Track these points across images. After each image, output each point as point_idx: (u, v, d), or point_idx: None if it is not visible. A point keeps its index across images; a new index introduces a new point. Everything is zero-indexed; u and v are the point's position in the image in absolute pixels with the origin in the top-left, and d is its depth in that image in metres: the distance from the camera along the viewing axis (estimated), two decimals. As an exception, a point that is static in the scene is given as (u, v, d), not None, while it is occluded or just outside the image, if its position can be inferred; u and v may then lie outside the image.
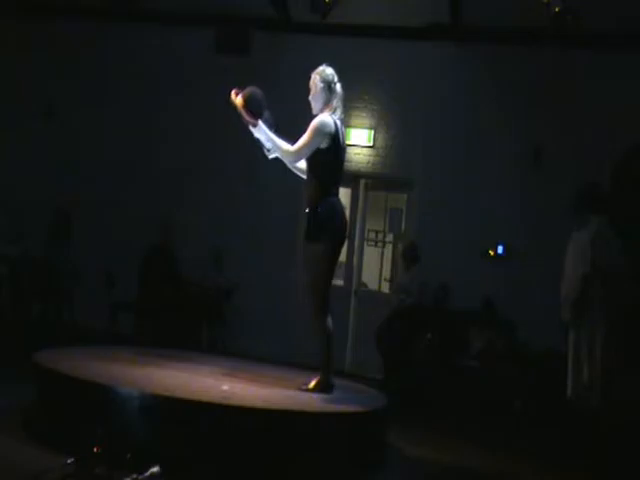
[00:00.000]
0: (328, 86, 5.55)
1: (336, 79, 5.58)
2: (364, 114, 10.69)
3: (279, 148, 5.57)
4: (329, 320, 5.43)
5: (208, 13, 10.94)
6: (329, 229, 5.41)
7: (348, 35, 10.60)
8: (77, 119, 11.39)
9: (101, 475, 4.10)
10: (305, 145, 5.43)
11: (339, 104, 5.57)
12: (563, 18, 8.82)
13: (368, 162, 10.74)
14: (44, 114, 11.42)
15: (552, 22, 8.93)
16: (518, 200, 9.95)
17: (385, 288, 11.24)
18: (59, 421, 4.87)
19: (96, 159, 11.26)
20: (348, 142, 10.60)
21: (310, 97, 5.61)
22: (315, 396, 5.33)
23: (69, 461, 4.14)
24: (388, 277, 11.34)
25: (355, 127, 10.66)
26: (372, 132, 10.69)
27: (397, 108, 10.67)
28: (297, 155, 5.51)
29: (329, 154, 5.45)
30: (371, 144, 10.69)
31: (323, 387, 5.46)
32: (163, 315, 9.55)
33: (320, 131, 5.40)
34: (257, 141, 5.70)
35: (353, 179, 10.77)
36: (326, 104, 5.54)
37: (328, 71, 5.60)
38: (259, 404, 4.84)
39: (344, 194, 11.33)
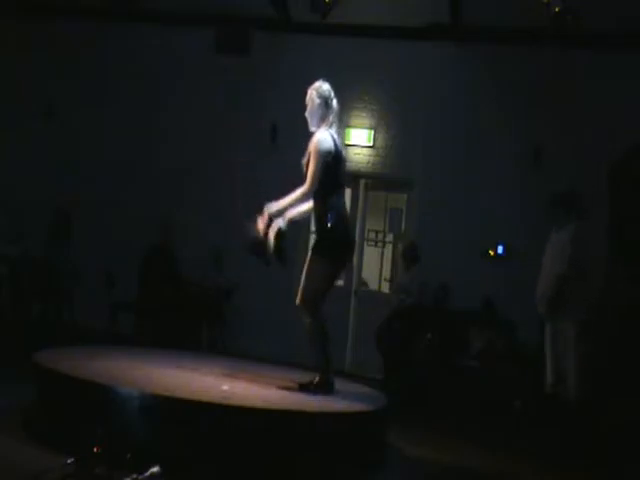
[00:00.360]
0: (325, 102, 5.61)
1: (332, 95, 5.65)
2: (364, 114, 10.69)
3: (297, 201, 5.58)
4: (323, 320, 5.46)
5: (208, 13, 10.93)
6: (333, 248, 5.48)
7: (348, 35, 10.59)
8: (77, 119, 11.39)
9: (101, 475, 4.10)
10: (316, 173, 5.45)
11: (335, 119, 5.63)
12: (563, 18, 8.82)
13: (368, 162, 10.73)
14: (44, 114, 11.41)
15: (552, 22, 8.93)
16: (518, 200, 9.95)
17: (385, 288, 11.24)
18: (59, 421, 4.87)
19: (96, 159, 11.26)
20: (348, 142, 10.63)
21: (307, 113, 5.67)
22: (315, 396, 5.33)
23: (69, 461, 4.14)
24: (388, 277, 11.34)
25: (355, 127, 10.66)
26: (372, 132, 10.68)
27: (397, 108, 10.66)
28: (313, 187, 5.50)
29: (330, 168, 5.49)
30: (371, 144, 10.69)
31: (323, 387, 5.47)
32: (163, 315, 9.55)
33: (322, 152, 5.45)
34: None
35: (353, 179, 10.75)
36: (322, 119, 5.60)
37: (325, 87, 5.65)
38: (259, 404, 4.84)
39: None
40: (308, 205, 5.68)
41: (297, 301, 5.55)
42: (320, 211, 5.53)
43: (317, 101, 5.60)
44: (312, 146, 5.50)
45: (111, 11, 11.23)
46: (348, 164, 10.67)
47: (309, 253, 5.65)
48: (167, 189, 10.98)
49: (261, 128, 10.73)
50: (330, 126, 5.58)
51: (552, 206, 7.33)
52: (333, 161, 5.49)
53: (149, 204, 10.83)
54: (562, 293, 6.97)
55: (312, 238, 5.72)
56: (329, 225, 5.46)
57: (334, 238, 5.49)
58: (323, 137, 5.50)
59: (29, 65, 11.54)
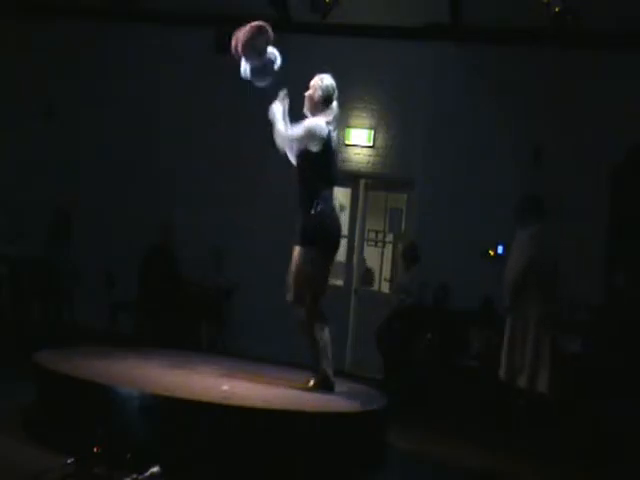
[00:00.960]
0: (326, 98, 5.58)
1: (336, 95, 5.61)
2: (364, 114, 10.69)
3: (277, 125, 5.59)
4: (322, 319, 5.50)
5: (208, 13, 10.92)
6: (321, 235, 5.46)
7: (348, 35, 10.59)
8: (77, 119, 11.39)
9: (101, 475, 4.11)
10: (296, 139, 5.47)
11: (334, 121, 5.58)
12: (563, 18, 8.82)
13: (368, 162, 10.73)
14: (44, 114, 11.41)
15: (552, 22, 8.93)
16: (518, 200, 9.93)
17: (385, 288, 11.25)
18: (59, 421, 4.87)
19: (96, 159, 11.26)
20: (348, 142, 10.63)
21: (307, 94, 5.61)
22: (315, 396, 5.33)
23: (69, 461, 4.15)
24: (388, 277, 11.35)
25: (355, 127, 10.66)
26: (372, 132, 10.68)
27: (397, 108, 10.66)
28: (284, 142, 5.53)
29: (320, 160, 5.47)
30: (371, 144, 10.68)
31: (324, 385, 5.48)
32: (163, 315, 9.55)
33: (313, 133, 5.44)
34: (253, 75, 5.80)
35: (353, 179, 10.77)
36: (320, 111, 5.56)
37: (328, 82, 5.61)
38: (259, 404, 4.84)
39: (344, 194, 11.37)
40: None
41: (289, 298, 5.55)
42: (307, 201, 5.47)
43: (319, 93, 5.57)
44: (305, 122, 5.47)
45: (111, 11, 11.23)
46: (348, 164, 10.77)
47: (297, 248, 5.58)
48: (167, 189, 10.98)
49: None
50: (330, 123, 5.55)
51: (518, 208, 7.79)
52: (325, 152, 5.45)
53: (149, 204, 10.83)
54: (523, 286, 7.33)
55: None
56: (311, 214, 5.41)
57: (322, 226, 5.44)
58: (320, 125, 5.46)
59: (29, 65, 11.54)
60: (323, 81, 5.60)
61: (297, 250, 5.57)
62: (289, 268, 5.67)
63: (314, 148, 5.44)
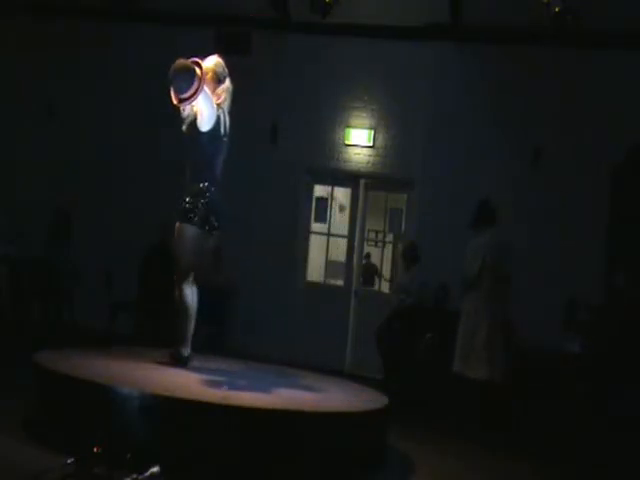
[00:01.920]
0: (218, 78, 5.81)
1: (226, 72, 5.89)
2: (364, 114, 10.68)
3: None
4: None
5: (208, 13, 10.93)
6: (192, 215, 5.85)
7: (348, 35, 10.59)
8: (77, 119, 11.40)
9: (101, 475, 4.11)
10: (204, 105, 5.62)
11: (226, 100, 5.83)
12: (563, 18, 8.83)
13: (368, 162, 10.73)
14: (44, 114, 11.42)
15: (552, 22, 8.93)
16: (518, 200, 9.94)
17: (385, 288, 11.25)
18: (59, 421, 4.87)
19: (96, 159, 11.26)
20: (348, 142, 10.63)
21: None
22: (314, 396, 5.34)
23: (69, 461, 4.15)
24: (388, 277, 11.35)
25: (355, 127, 10.65)
26: (372, 132, 10.67)
27: (397, 108, 10.65)
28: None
29: (208, 142, 5.66)
30: (371, 144, 10.68)
31: (178, 361, 5.68)
32: (163, 315, 9.54)
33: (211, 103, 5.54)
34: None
35: (353, 179, 10.77)
36: (213, 92, 5.74)
37: (215, 59, 5.93)
38: (259, 404, 4.84)
39: (344, 194, 11.38)
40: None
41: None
42: (192, 180, 5.80)
43: (210, 74, 5.78)
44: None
45: (111, 11, 11.22)
46: (348, 164, 10.78)
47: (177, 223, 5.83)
48: (167, 189, 10.95)
49: (261, 128, 10.72)
50: (220, 106, 5.69)
51: (475, 213, 8.16)
52: (213, 137, 5.62)
53: (149, 204, 10.82)
54: (475, 286, 7.76)
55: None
56: (187, 193, 5.76)
57: (193, 203, 5.79)
58: (212, 112, 5.57)
59: (29, 65, 11.53)
60: (211, 60, 5.83)
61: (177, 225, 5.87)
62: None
63: (204, 128, 5.59)
